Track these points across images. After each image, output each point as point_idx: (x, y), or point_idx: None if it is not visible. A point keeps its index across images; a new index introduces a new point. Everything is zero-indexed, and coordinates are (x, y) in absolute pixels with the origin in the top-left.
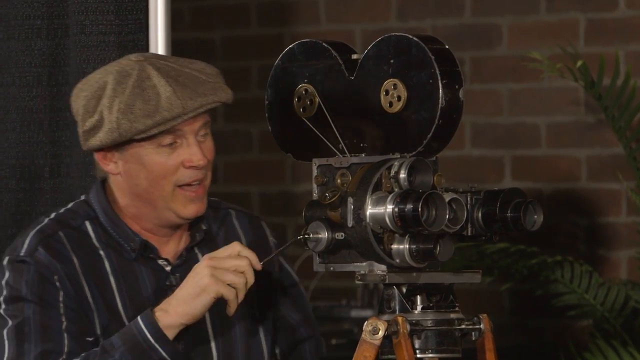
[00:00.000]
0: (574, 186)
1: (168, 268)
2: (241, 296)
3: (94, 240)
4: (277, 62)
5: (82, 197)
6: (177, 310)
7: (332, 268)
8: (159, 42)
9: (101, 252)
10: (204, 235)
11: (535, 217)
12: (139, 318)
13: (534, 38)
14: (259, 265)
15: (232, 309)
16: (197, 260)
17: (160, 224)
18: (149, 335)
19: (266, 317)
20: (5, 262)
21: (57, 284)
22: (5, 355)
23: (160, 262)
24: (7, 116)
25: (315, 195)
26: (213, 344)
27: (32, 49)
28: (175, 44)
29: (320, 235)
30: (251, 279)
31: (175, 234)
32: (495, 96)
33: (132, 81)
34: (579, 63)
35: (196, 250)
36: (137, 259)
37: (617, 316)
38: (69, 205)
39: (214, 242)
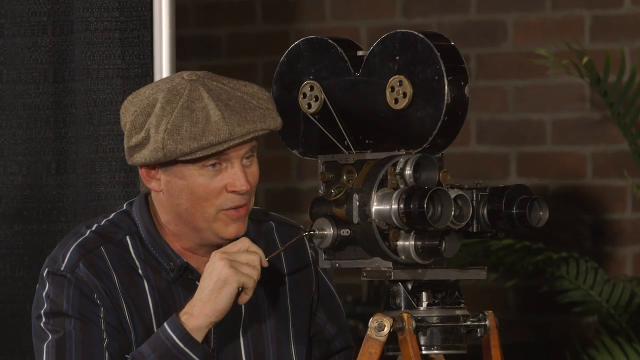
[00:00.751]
0: (579, 183)
1: None
2: (252, 290)
3: (134, 257)
4: (282, 58)
5: (125, 207)
6: (203, 310)
7: (337, 264)
8: (163, 39)
9: (140, 272)
10: None
11: (541, 213)
12: (165, 325)
13: (540, 35)
14: (265, 262)
15: (247, 298)
16: None
17: (201, 243)
18: (177, 341)
19: (300, 330)
20: (45, 273)
21: (98, 301)
22: None
23: (198, 283)
24: (14, 113)
25: (320, 192)
26: (244, 355)
27: (38, 46)
28: (180, 41)
29: (325, 232)
30: (259, 275)
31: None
32: (500, 93)
33: (182, 101)
34: (585, 60)
35: None
36: (176, 280)
37: (623, 313)
38: (111, 216)
39: None
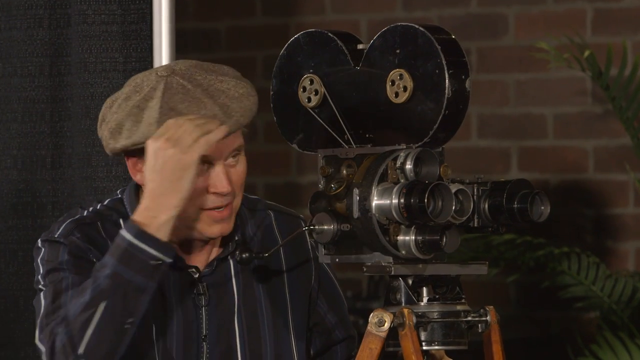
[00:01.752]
0: (581, 177)
1: (196, 275)
2: (222, 129)
3: None
4: (282, 52)
5: (118, 194)
6: (167, 202)
7: (337, 260)
8: (162, 33)
9: None
10: (238, 242)
11: (542, 208)
12: (121, 230)
13: (541, 28)
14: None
15: (222, 132)
16: (229, 269)
17: (186, 238)
18: (132, 238)
19: (299, 322)
20: (39, 242)
21: (94, 259)
22: (41, 312)
23: (189, 270)
24: (9, 106)
25: (320, 187)
26: (239, 352)
27: (34, 39)
28: (180, 34)
29: (325, 227)
30: (203, 129)
31: (205, 245)
32: (501, 86)
33: (137, 99)
34: (586, 53)
35: (229, 259)
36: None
37: (625, 308)
38: (105, 202)
39: (249, 253)
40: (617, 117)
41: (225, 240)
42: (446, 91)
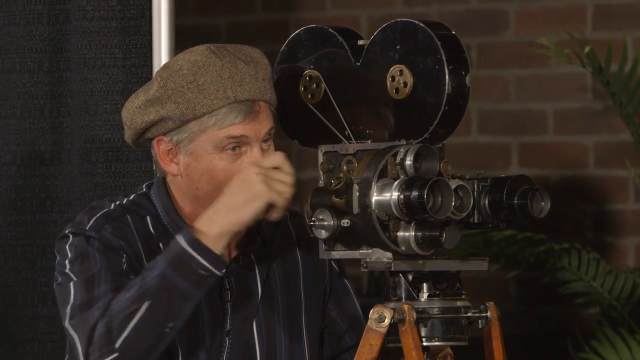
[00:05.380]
0: (581, 173)
1: (223, 271)
2: (282, 209)
3: (154, 236)
4: (282, 48)
5: (144, 189)
6: (227, 217)
7: (337, 255)
8: (162, 28)
9: (161, 246)
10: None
11: (542, 204)
12: (177, 234)
13: (541, 24)
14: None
15: (277, 216)
16: (253, 267)
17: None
18: (185, 245)
19: (313, 325)
20: (67, 232)
21: (124, 255)
22: (71, 303)
23: None
24: (8, 102)
25: (321, 182)
26: (257, 349)
27: (34, 35)
28: (179, 29)
29: (325, 223)
30: (291, 194)
31: (232, 240)
32: (502, 82)
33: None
34: (587, 49)
35: (252, 257)
36: None
37: (625, 304)
38: (131, 197)
39: (268, 248)
40: (617, 113)
41: (246, 238)
42: (446, 87)
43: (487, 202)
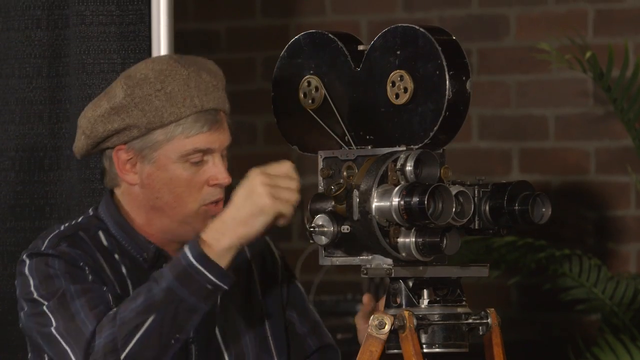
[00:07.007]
0: (582, 179)
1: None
2: (289, 216)
3: (109, 250)
4: (282, 53)
5: (90, 212)
6: (236, 231)
7: (337, 262)
8: (161, 34)
9: (117, 257)
10: None
11: (543, 210)
12: (185, 246)
13: (542, 29)
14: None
15: (285, 222)
16: None
17: (173, 238)
18: (192, 259)
19: (279, 333)
20: (23, 257)
21: (86, 267)
22: (54, 325)
23: None
24: (7, 108)
25: (320, 188)
26: (226, 355)
27: (32, 40)
28: (179, 35)
29: (325, 229)
30: (298, 201)
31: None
32: (502, 88)
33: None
34: (588, 54)
35: None
36: (151, 268)
37: (626, 310)
38: (79, 219)
39: None
40: (618, 119)
41: None
42: (447, 92)
43: (487, 208)
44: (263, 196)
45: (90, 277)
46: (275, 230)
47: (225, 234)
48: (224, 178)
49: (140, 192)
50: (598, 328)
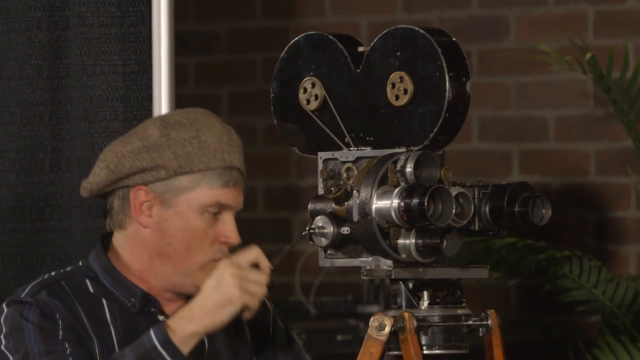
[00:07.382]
0: (582, 180)
1: None
2: (255, 309)
3: (95, 296)
4: (282, 54)
5: (80, 263)
6: (202, 320)
7: (337, 263)
8: (162, 35)
9: (103, 301)
10: None
11: (544, 211)
12: (151, 329)
13: (542, 30)
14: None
15: (249, 315)
16: None
17: (168, 288)
18: (157, 343)
19: None
20: (4, 304)
21: (60, 322)
22: None
23: (161, 317)
24: (7, 109)
25: (320, 190)
26: None
27: (33, 41)
28: (179, 36)
29: (325, 230)
30: (265, 293)
31: (181, 297)
32: (502, 89)
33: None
34: (588, 55)
35: None
36: (139, 313)
37: (627, 312)
38: (67, 269)
39: None
40: (618, 120)
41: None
42: (447, 94)
43: (487, 209)
44: (232, 287)
45: (61, 333)
46: (275, 230)
47: (192, 322)
48: (235, 237)
49: (150, 235)
50: (598, 329)
